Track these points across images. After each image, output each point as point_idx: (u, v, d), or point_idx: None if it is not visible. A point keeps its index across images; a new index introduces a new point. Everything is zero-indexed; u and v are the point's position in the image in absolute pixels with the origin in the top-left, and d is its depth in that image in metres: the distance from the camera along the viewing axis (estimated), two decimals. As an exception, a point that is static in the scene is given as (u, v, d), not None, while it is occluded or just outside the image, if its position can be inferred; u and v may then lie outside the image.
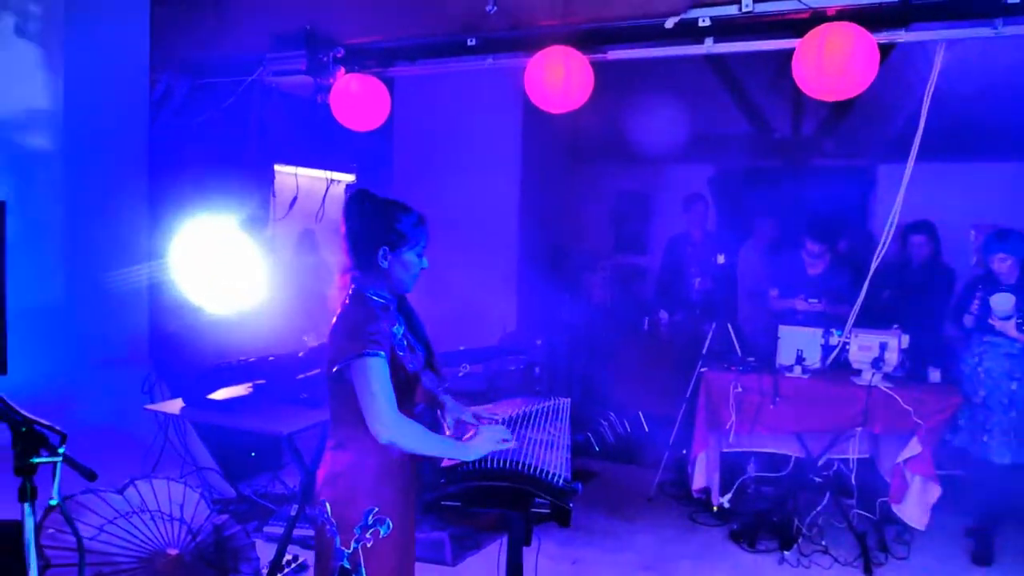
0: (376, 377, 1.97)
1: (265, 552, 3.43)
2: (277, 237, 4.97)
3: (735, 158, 7.19)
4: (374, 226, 2.12)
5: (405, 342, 2.18)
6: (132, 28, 4.71)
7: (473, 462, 2.12)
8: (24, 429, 1.37)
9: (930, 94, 3.72)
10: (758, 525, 4.37)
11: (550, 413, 2.71)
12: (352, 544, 2.08)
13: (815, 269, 4.86)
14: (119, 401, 4.69)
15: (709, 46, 3.83)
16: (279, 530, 4.08)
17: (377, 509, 2.09)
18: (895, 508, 4.07)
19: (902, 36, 3.52)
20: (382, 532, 2.09)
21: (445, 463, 2.18)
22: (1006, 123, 5.09)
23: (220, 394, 3.31)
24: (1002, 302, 3.96)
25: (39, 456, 1.37)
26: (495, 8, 3.91)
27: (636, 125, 6.30)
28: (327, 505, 2.09)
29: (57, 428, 1.42)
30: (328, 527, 2.10)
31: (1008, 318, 3.97)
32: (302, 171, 5.11)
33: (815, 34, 3.33)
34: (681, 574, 3.94)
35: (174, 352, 4.51)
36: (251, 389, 3.42)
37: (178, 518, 3.07)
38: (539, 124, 5.83)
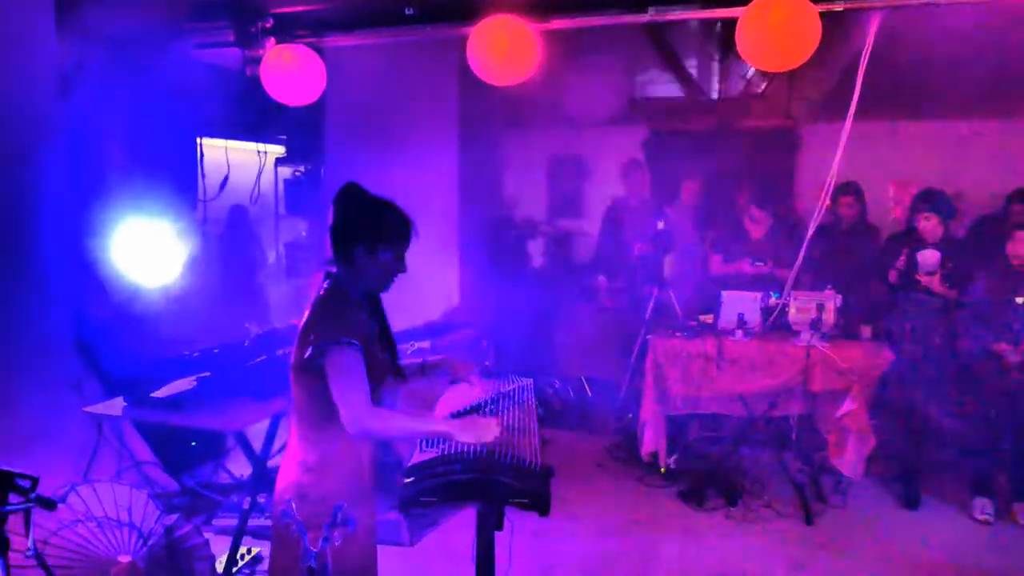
0: (350, 368, 1.92)
1: (216, 545, 3.32)
2: (209, 217, 4.72)
3: (667, 121, 7.27)
4: (357, 222, 2.08)
5: (376, 337, 2.12)
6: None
7: (447, 455, 2.09)
8: (-5, 479, 1.25)
9: (865, 60, 3.81)
10: (705, 484, 4.52)
11: (513, 396, 2.69)
12: (320, 543, 2.03)
13: (758, 233, 4.97)
14: (44, 398, 4.42)
15: (652, 15, 3.80)
16: (229, 522, 3.98)
17: (346, 505, 2.04)
18: (832, 460, 4.28)
19: (840, 4, 3.57)
20: (350, 528, 2.05)
21: (416, 458, 2.14)
22: (925, 86, 5.29)
23: (164, 391, 3.15)
24: (928, 257, 4.16)
25: (8, 504, 1.26)
26: (433, -25, 3.77)
27: (570, 90, 6.24)
28: (292, 503, 2.03)
29: (26, 473, 1.30)
30: (294, 526, 2.03)
31: (932, 273, 4.18)
32: (232, 144, 4.86)
33: (759, 5, 3.34)
34: (634, 537, 4.05)
35: (103, 345, 4.26)
36: (195, 383, 3.27)
37: (127, 523, 2.94)
38: (476, 92, 5.69)
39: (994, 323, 4.01)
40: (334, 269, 2.13)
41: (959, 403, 4.30)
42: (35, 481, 1.32)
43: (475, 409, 2.42)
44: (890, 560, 3.75)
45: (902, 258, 4.35)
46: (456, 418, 2.27)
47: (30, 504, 1.29)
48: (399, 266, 2.13)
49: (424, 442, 2.22)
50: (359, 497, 2.08)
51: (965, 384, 4.29)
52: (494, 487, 2.08)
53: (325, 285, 2.11)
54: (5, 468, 1.29)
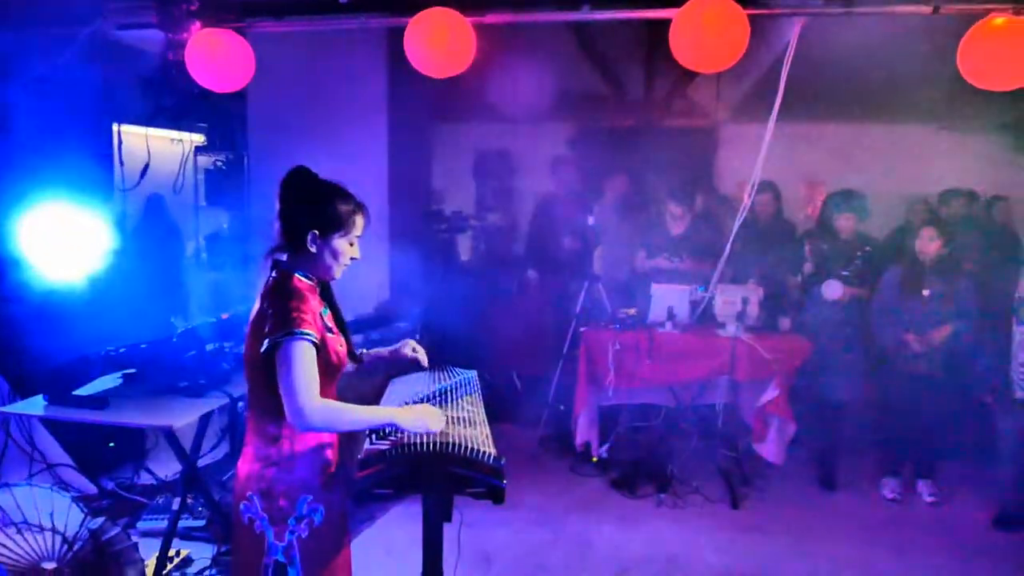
0: (301, 361, 1.87)
1: (143, 548, 3.17)
2: (127, 208, 4.50)
3: (593, 118, 7.40)
4: (308, 208, 2.02)
5: (330, 326, 2.08)
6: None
7: (400, 447, 2.08)
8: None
9: (788, 64, 3.99)
10: (636, 472, 4.65)
11: (460, 388, 2.69)
12: (287, 536, 1.99)
13: (677, 229, 5.12)
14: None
15: (586, 12, 3.86)
16: (155, 525, 3.83)
17: (311, 497, 2.01)
18: (756, 447, 4.49)
19: (765, 10, 3.72)
20: (316, 521, 2.02)
21: (367, 451, 2.11)
22: (839, 89, 5.58)
23: (88, 388, 2.99)
24: (832, 290, 4.42)
25: None
26: (369, -36, 3.71)
27: (498, 85, 6.26)
28: (255, 498, 1.98)
29: None
30: (257, 522, 1.99)
31: (836, 302, 4.44)
32: (153, 132, 4.64)
33: (692, 7, 3.45)
34: (570, 526, 4.12)
35: (12, 340, 4.01)
36: (121, 380, 3.12)
37: (49, 528, 2.78)
38: (405, 84, 5.65)
39: (902, 315, 4.28)
40: (282, 257, 2.08)
41: (869, 390, 4.57)
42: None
43: (421, 402, 2.42)
44: (810, 539, 3.96)
45: (807, 251, 4.58)
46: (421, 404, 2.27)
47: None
48: (352, 252, 2.10)
49: (374, 434, 2.20)
50: (325, 487, 2.04)
51: (875, 372, 4.57)
52: (449, 477, 2.08)
53: (274, 275, 2.05)
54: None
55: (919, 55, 4.46)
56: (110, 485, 4.27)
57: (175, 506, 3.32)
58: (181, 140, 5.47)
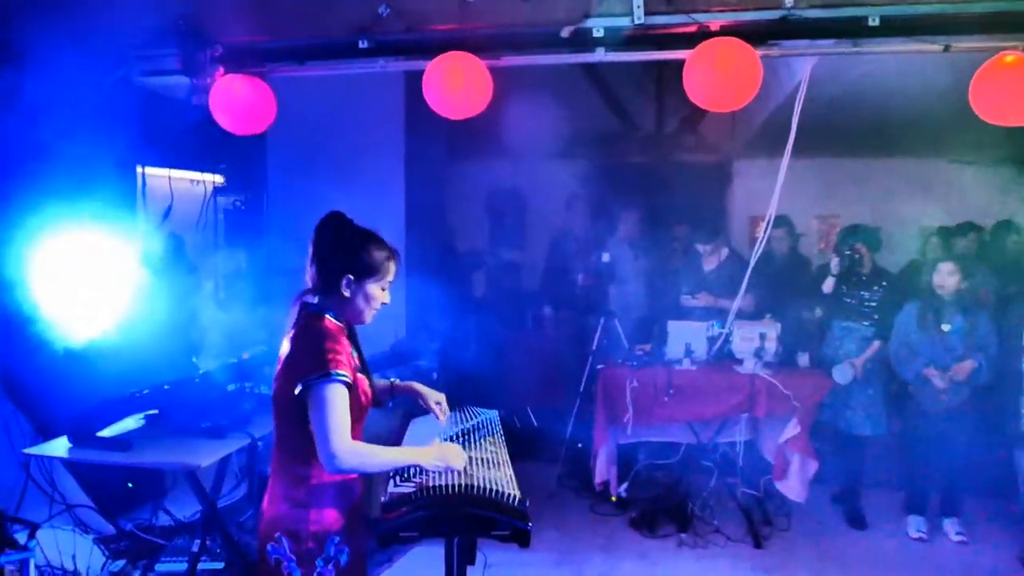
0: (334, 403, 1.91)
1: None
2: (149, 247, 4.56)
3: (605, 155, 7.48)
4: (343, 253, 2.07)
5: (358, 367, 2.11)
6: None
7: (424, 489, 2.08)
8: (-6, 527, 1.17)
9: (800, 101, 4.04)
10: (655, 511, 4.60)
11: (481, 428, 2.69)
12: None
13: (709, 265, 5.11)
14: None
15: (601, 55, 3.92)
16: (173, 567, 3.81)
17: (339, 539, 2.03)
18: (777, 484, 4.43)
19: (776, 51, 3.78)
20: (343, 561, 2.03)
21: (391, 494, 2.11)
22: (852, 124, 5.61)
23: (111, 430, 3.01)
24: (842, 374, 4.43)
25: (5, 555, 1.18)
26: (388, 11, 3.80)
27: (511, 123, 6.35)
28: (283, 539, 1.99)
29: (25, 519, 1.22)
30: (285, 563, 1.99)
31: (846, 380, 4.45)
32: (173, 173, 4.73)
33: (705, 48, 3.50)
34: (592, 566, 4.07)
35: (35, 382, 4.04)
36: (144, 421, 3.14)
37: (71, 571, 2.79)
38: (421, 123, 5.74)
39: (922, 350, 4.25)
40: (312, 300, 2.11)
41: (891, 426, 4.52)
42: (34, 527, 1.25)
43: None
44: (835, 579, 3.89)
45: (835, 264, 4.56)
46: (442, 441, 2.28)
47: (28, 553, 1.22)
48: (384, 297, 2.13)
49: (398, 476, 2.21)
50: (352, 528, 2.05)
51: (897, 408, 4.53)
52: (474, 520, 2.08)
53: (304, 316, 2.07)
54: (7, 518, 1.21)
55: (932, 89, 4.50)
56: (128, 526, 4.25)
57: (195, 547, 3.32)
58: (202, 181, 5.56)
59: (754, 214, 7.03)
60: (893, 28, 3.50)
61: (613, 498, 4.74)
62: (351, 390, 1.96)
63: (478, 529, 2.10)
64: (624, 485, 4.78)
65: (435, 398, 2.54)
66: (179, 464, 2.86)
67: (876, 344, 4.46)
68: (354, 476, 2.10)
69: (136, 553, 3.97)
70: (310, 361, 1.93)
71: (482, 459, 2.39)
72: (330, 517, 2.01)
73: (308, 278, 2.11)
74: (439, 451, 2.14)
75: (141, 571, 3.00)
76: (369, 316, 2.14)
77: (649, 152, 7.48)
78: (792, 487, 4.35)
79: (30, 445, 3.92)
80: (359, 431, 2.09)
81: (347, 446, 1.91)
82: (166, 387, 3.27)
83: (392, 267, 2.13)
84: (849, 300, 4.60)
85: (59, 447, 2.96)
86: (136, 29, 3.96)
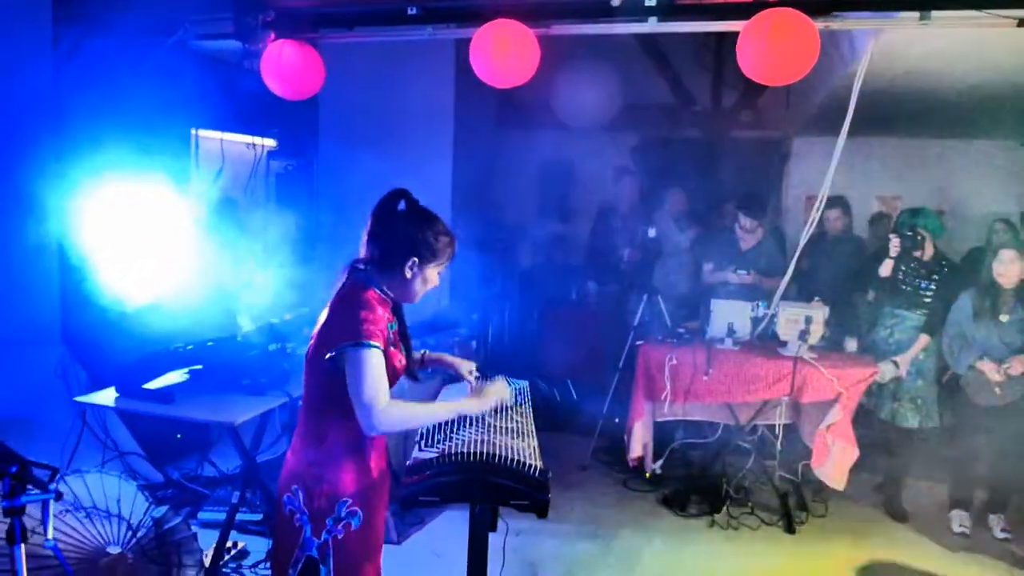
0: (370, 366, 1.92)
1: (201, 539, 3.30)
2: (202, 208, 4.69)
3: (658, 128, 7.33)
4: (411, 235, 2.08)
5: (393, 340, 2.13)
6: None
7: (447, 456, 2.11)
8: (15, 469, 1.24)
9: (860, 77, 3.87)
10: (688, 490, 4.57)
11: (512, 398, 2.70)
12: (323, 535, 2.05)
13: (747, 243, 5.01)
14: (27, 386, 4.36)
15: (653, 25, 3.83)
16: (214, 515, 3.97)
17: (350, 501, 2.06)
18: (816, 470, 4.33)
19: (836, 23, 3.62)
20: (353, 524, 2.07)
21: (415, 458, 2.15)
22: (911, 105, 5.37)
23: (156, 383, 3.13)
24: (883, 370, 4.28)
25: (28, 495, 1.25)
26: (438, -23, 3.78)
27: (562, 94, 6.27)
28: (299, 492, 2.04)
29: (46, 463, 1.29)
30: (298, 515, 2.05)
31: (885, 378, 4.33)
32: (227, 136, 4.83)
33: (760, 19, 3.39)
34: (619, 541, 4.08)
35: (91, 334, 4.22)
36: (188, 376, 3.25)
37: (116, 514, 2.92)
38: (471, 92, 5.71)
39: (977, 341, 4.08)
40: (362, 267, 2.11)
41: (940, 417, 4.38)
42: (54, 472, 1.32)
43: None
44: (868, 571, 3.81)
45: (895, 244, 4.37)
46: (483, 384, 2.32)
47: (48, 495, 1.29)
48: (436, 280, 2.16)
49: (422, 440, 2.24)
50: (366, 495, 2.08)
51: (947, 399, 4.38)
52: (494, 488, 2.10)
53: (350, 284, 2.09)
54: (24, 457, 1.29)
55: (1001, 68, 4.27)
56: (176, 475, 4.44)
57: (234, 499, 3.44)
58: (255, 145, 5.67)
59: (812, 193, 6.79)
60: (960, 0, 3.32)
61: (648, 475, 4.73)
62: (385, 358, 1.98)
63: (497, 497, 2.12)
64: (659, 462, 4.76)
65: (467, 367, 2.57)
66: (217, 420, 2.95)
67: (924, 338, 4.30)
68: (373, 443, 2.11)
69: (180, 500, 4.15)
70: (344, 329, 1.95)
71: (508, 428, 2.40)
72: (343, 480, 2.04)
73: (364, 250, 2.11)
74: (479, 395, 2.19)
75: (183, 518, 3.11)
76: (419, 297, 2.17)
77: (704, 127, 7.30)
78: (831, 474, 4.24)
79: (85, 394, 4.12)
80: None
81: (385, 406, 1.93)
82: (209, 344, 3.37)
83: (451, 252, 2.14)
84: (905, 287, 4.44)
85: (107, 397, 3.09)
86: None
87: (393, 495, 2.32)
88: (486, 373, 2.66)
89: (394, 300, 2.16)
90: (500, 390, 2.24)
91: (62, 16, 4.23)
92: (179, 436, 4.64)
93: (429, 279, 2.14)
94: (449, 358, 2.56)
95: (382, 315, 2.05)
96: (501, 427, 2.40)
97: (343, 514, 2.04)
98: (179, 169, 4.74)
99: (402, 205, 2.10)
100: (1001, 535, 4.17)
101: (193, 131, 4.87)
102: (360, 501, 2.06)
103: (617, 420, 5.10)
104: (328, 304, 2.09)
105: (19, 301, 4.49)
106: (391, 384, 2.14)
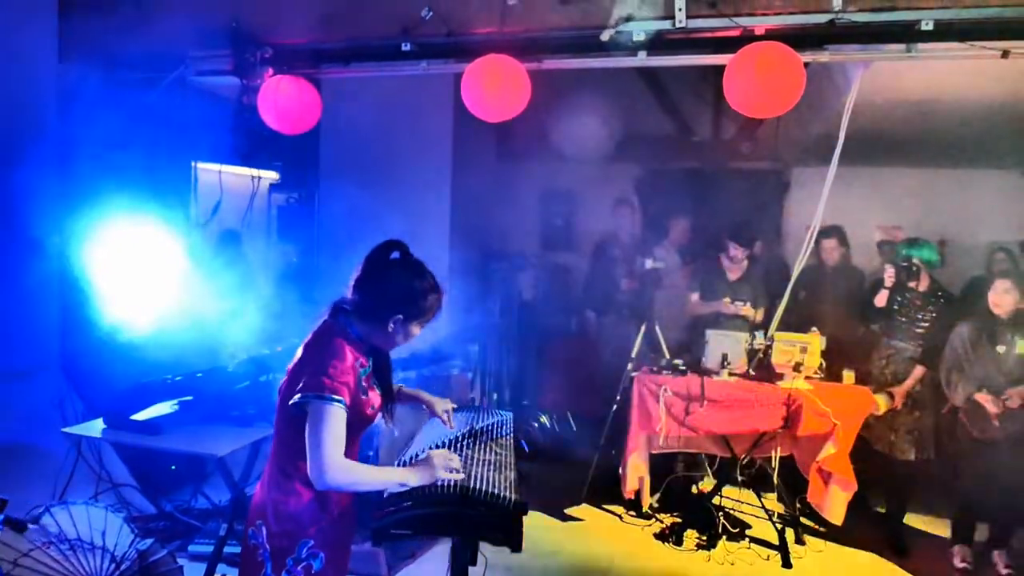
0: (330, 424, 1.91)
1: (191, 572, 3.29)
2: (200, 240, 4.75)
3: (657, 160, 7.37)
4: (399, 290, 2.06)
5: (366, 384, 2.12)
6: (39, 12, 4.40)
7: (421, 488, 2.10)
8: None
9: (850, 107, 3.90)
10: (685, 523, 4.51)
11: (494, 429, 2.70)
12: (283, 574, 2.03)
13: (734, 274, 5.01)
14: (24, 416, 4.40)
15: (642, 59, 3.88)
16: (205, 548, 3.95)
17: (313, 543, 2.04)
18: (813, 504, 4.28)
19: (824, 56, 3.66)
20: (315, 567, 2.05)
21: (392, 491, 2.14)
22: (909, 134, 5.38)
23: (144, 414, 3.15)
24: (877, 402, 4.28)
25: None
26: (430, 14, 3.85)
27: (563, 125, 6.34)
28: (262, 528, 2.04)
29: None
30: (261, 551, 2.04)
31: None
32: (226, 169, 4.90)
33: (746, 53, 3.42)
34: (616, 574, 4.02)
35: (88, 364, 4.26)
36: (177, 407, 3.27)
37: (100, 546, 2.92)
38: (469, 125, 5.77)
39: (975, 372, 4.04)
40: (346, 307, 2.10)
41: (939, 450, 4.31)
42: (3, 503, 1.32)
43: (450, 443, 2.44)
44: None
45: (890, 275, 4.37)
46: (430, 450, 2.26)
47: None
48: (417, 333, 2.14)
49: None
50: (329, 537, 2.06)
51: (947, 433, 4.32)
52: (466, 521, 2.09)
53: (327, 326, 2.08)
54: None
55: (995, 96, 4.29)
56: (169, 507, 4.43)
57: (222, 532, 3.43)
58: (255, 177, 5.75)
59: (811, 223, 6.82)
60: (947, 33, 3.35)
61: (645, 508, 4.67)
62: (349, 409, 1.97)
63: (470, 530, 2.11)
64: (656, 496, 4.71)
65: (442, 406, 2.53)
66: (201, 451, 2.96)
67: (920, 370, 4.26)
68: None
69: (172, 533, 4.14)
70: (312, 377, 1.94)
71: (486, 460, 2.39)
72: (306, 519, 2.02)
73: (350, 295, 2.09)
74: (422, 467, 2.09)
75: (169, 550, 3.10)
76: (396, 347, 2.16)
77: (703, 157, 7.33)
78: (829, 508, 4.19)
79: (80, 424, 4.14)
80: (356, 443, 2.12)
81: (336, 463, 1.91)
82: (199, 375, 3.39)
83: (438, 309, 2.13)
84: (901, 317, 4.41)
85: (93, 428, 3.11)
86: (191, 31, 4.13)
87: (366, 527, 2.30)
88: (473, 405, 2.65)
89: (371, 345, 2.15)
90: (443, 464, 2.10)
91: (68, 50, 4.35)
92: (174, 468, 4.64)
93: (411, 333, 2.11)
94: (425, 396, 2.53)
95: (352, 362, 2.03)
96: (480, 459, 2.39)
97: (303, 555, 2.03)
98: (178, 202, 4.81)
99: (395, 255, 2.09)
100: (1005, 572, 4.08)
101: (193, 164, 4.94)
102: (322, 542, 2.04)
103: (614, 451, 5.05)
104: (303, 342, 2.09)
105: (19, 331, 4.55)
106: (365, 426, 2.15)
